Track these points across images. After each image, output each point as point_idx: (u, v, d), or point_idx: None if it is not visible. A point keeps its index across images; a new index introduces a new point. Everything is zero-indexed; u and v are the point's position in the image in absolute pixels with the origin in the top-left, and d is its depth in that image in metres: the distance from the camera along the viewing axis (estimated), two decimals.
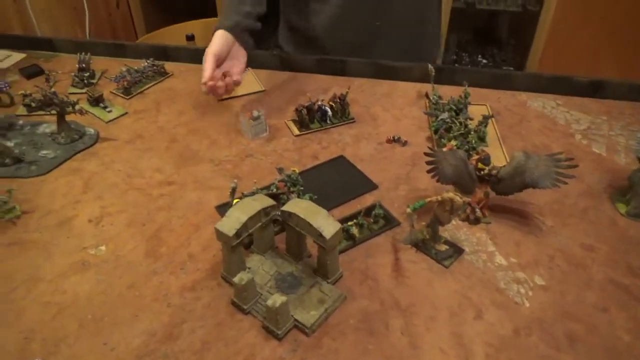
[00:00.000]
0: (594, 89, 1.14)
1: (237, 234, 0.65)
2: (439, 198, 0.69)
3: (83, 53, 1.23)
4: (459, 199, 0.68)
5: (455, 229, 0.80)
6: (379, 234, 0.78)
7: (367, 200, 0.85)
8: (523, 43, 2.33)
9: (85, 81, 1.21)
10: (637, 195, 0.81)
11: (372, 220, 0.79)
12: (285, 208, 0.68)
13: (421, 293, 0.70)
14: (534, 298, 0.69)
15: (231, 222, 0.65)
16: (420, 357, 0.62)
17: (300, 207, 0.68)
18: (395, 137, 0.99)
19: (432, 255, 0.74)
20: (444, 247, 0.75)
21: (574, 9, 2.12)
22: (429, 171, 0.76)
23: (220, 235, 0.66)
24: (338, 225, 0.66)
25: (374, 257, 0.75)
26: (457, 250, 0.75)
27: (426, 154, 0.75)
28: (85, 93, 1.14)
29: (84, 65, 1.22)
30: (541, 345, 0.63)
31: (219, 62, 0.98)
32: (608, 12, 2.04)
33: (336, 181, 0.90)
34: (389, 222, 0.80)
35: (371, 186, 0.88)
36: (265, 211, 0.69)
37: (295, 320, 0.64)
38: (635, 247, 0.77)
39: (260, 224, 0.69)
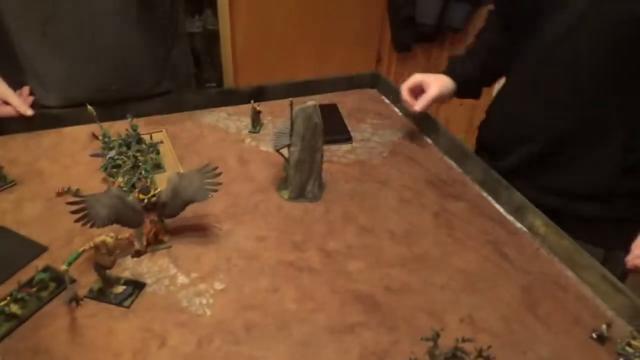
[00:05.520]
0: (257, 95, 1.29)
1: None
2: (92, 244, 0.67)
3: None
4: (109, 239, 0.67)
5: (137, 264, 0.79)
6: (51, 300, 0.72)
7: (38, 266, 0.77)
8: (216, 61, 2.49)
9: None
10: (291, 181, 0.95)
11: (35, 289, 0.71)
12: None
13: (101, 345, 0.66)
14: (215, 304, 0.73)
15: None
16: None
17: None
18: (66, 188, 0.92)
19: (111, 301, 0.72)
20: (121, 289, 0.73)
21: (252, 24, 2.33)
22: (77, 220, 0.73)
23: None
24: None
25: (46, 327, 0.68)
26: (137, 286, 0.75)
27: (70, 204, 0.72)
28: None
29: None
30: (223, 346, 0.67)
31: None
32: (287, 19, 2.31)
33: None
34: (61, 282, 0.74)
35: (39, 250, 0.80)
36: None
37: None
38: (297, 225, 0.90)
39: None
